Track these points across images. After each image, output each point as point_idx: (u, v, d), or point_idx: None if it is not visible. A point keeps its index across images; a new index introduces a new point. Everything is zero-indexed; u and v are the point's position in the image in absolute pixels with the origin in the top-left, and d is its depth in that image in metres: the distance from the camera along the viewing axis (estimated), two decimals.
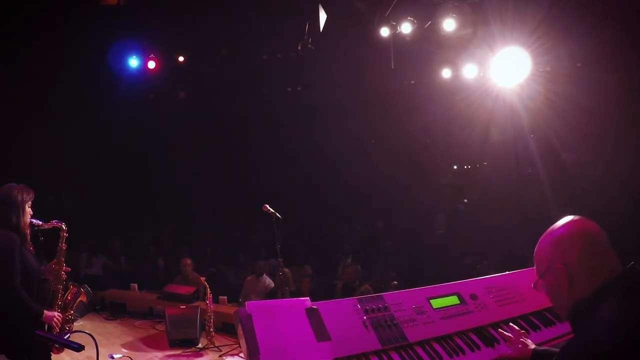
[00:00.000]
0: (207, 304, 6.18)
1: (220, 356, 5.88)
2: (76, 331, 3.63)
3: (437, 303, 2.57)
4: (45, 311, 3.32)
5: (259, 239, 10.32)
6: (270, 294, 7.18)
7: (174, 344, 6.11)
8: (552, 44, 6.79)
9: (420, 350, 2.34)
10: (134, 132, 11.16)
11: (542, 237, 1.75)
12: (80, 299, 3.76)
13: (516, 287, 2.78)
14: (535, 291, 1.79)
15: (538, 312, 2.67)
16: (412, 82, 10.70)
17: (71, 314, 3.67)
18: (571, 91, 7.64)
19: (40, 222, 3.47)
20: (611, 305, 1.51)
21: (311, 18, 7.00)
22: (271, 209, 5.22)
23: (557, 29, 6.65)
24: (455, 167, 14.01)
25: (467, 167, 13.87)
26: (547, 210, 8.25)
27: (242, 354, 4.92)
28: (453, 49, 7.94)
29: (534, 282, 1.77)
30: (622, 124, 8.10)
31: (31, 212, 3.40)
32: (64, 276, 3.63)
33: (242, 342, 2.21)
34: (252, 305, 2.29)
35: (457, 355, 2.35)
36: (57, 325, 3.38)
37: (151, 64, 9.14)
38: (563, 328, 2.56)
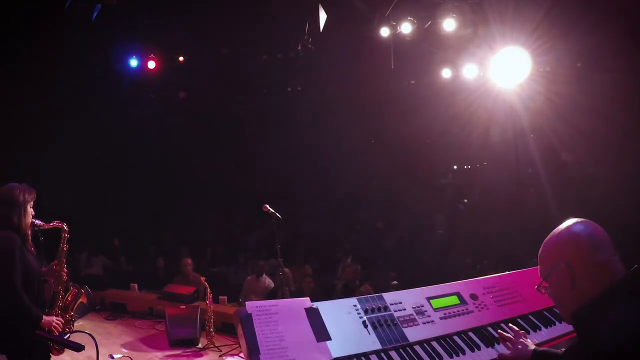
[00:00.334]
0: (207, 304, 6.18)
1: (220, 356, 5.88)
2: (76, 331, 3.63)
3: (437, 303, 2.57)
4: (44, 316, 3.28)
5: (259, 239, 10.33)
6: (270, 294, 7.18)
7: (174, 344, 6.12)
8: (552, 44, 6.78)
9: (420, 350, 2.35)
10: (134, 132, 11.16)
11: (546, 239, 1.75)
12: (80, 300, 3.76)
13: (516, 287, 2.79)
14: (536, 292, 1.79)
15: (538, 312, 2.67)
16: (412, 82, 10.70)
17: (71, 316, 3.67)
18: (571, 91, 7.63)
19: (42, 223, 3.45)
20: (615, 308, 1.51)
21: (311, 18, 6.99)
22: (271, 209, 5.22)
23: (557, 29, 6.64)
24: (455, 167, 14.00)
25: (467, 167, 13.86)
26: (547, 211, 8.25)
27: (242, 354, 4.92)
28: (453, 49, 7.93)
29: (538, 284, 1.77)
30: (623, 124, 8.09)
31: (33, 213, 3.37)
32: (65, 277, 3.63)
33: (242, 342, 2.21)
34: (252, 305, 2.29)
35: (457, 355, 2.36)
36: (57, 330, 3.34)
37: (151, 64, 9.14)
38: (563, 328, 2.57)
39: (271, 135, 12.22)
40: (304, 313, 2.33)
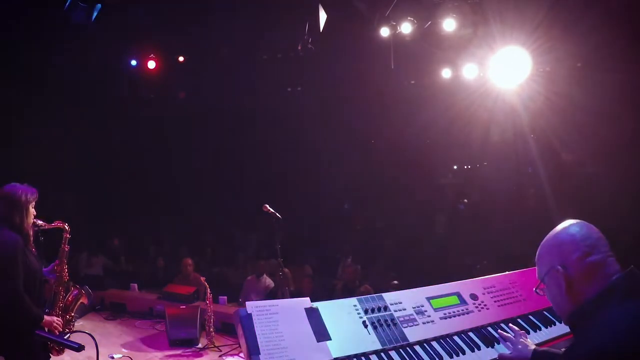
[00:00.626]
0: (207, 304, 6.19)
1: (220, 356, 5.89)
2: (76, 331, 3.63)
3: (437, 303, 2.57)
4: (45, 317, 3.28)
5: (259, 239, 10.34)
6: (270, 294, 7.18)
7: (174, 344, 6.12)
8: (552, 44, 6.78)
9: (420, 350, 2.35)
10: (133, 132, 11.16)
11: (543, 241, 1.76)
12: (81, 300, 3.76)
13: (516, 287, 2.79)
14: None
15: (538, 312, 2.67)
16: (412, 82, 10.68)
17: (72, 316, 3.67)
18: (571, 91, 7.63)
19: (43, 223, 3.44)
20: (611, 309, 1.52)
21: (311, 18, 7.00)
22: (271, 209, 5.22)
23: (557, 29, 6.64)
24: (455, 167, 14.00)
25: (467, 167, 13.86)
26: (547, 211, 8.25)
27: (242, 354, 4.92)
28: (453, 49, 7.92)
29: (536, 285, 1.78)
30: (623, 124, 8.09)
31: (34, 213, 3.36)
32: (66, 277, 3.63)
33: (242, 342, 2.22)
34: (252, 305, 2.29)
35: (457, 355, 2.36)
36: (57, 330, 3.34)
37: (151, 64, 9.14)
38: (563, 328, 2.57)
39: (271, 135, 12.21)
40: (304, 313, 2.33)
